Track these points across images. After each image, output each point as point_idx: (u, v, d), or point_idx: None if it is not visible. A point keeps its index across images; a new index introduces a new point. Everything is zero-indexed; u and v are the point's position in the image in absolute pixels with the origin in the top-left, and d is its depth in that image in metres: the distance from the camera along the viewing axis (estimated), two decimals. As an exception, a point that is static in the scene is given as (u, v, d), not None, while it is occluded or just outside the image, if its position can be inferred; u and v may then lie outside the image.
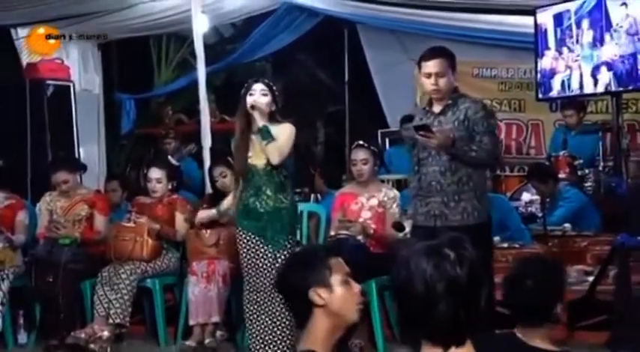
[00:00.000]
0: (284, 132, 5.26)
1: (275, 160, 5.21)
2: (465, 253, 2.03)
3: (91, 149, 9.65)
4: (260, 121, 5.21)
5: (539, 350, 3.00)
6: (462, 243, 2.06)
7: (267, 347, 5.19)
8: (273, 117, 5.30)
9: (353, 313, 2.78)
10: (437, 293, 1.98)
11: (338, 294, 2.72)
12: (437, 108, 5.08)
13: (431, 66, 5.00)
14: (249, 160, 5.30)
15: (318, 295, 2.70)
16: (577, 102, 8.26)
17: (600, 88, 5.64)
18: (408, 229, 5.25)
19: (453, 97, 5.07)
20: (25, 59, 9.34)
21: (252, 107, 5.21)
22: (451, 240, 2.05)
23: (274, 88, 5.39)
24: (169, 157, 7.47)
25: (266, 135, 5.19)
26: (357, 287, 2.81)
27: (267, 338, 5.20)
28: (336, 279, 2.75)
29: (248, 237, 5.29)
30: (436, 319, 1.99)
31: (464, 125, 4.95)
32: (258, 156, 5.28)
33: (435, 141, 4.85)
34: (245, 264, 5.31)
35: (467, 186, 4.97)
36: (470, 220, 4.94)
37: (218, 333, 6.19)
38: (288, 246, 5.25)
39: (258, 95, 5.27)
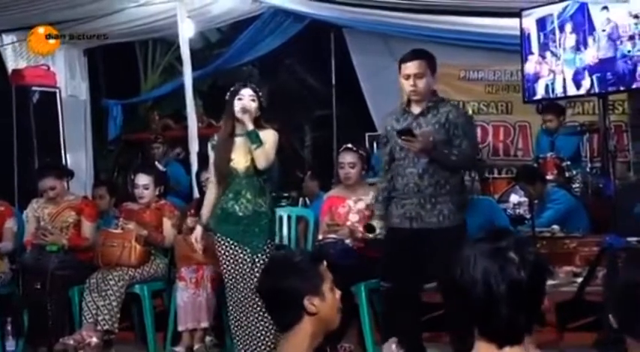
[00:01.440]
0: (269, 140, 5.32)
1: (262, 165, 5.25)
2: (529, 257, 2.05)
3: (78, 155, 9.61)
4: (250, 125, 5.25)
5: None
6: (527, 246, 2.09)
7: (249, 350, 5.22)
8: (257, 123, 5.34)
9: (336, 319, 2.81)
10: (499, 295, 2.01)
11: (328, 302, 2.75)
12: (416, 109, 5.12)
13: (410, 67, 5.06)
14: (231, 163, 5.32)
15: (312, 304, 2.71)
16: (556, 107, 8.30)
17: (583, 91, 5.64)
18: (379, 230, 5.25)
19: (434, 100, 5.12)
20: (11, 65, 9.30)
21: (244, 110, 5.24)
22: (516, 243, 2.07)
23: (260, 93, 5.45)
24: (156, 163, 7.44)
25: (255, 139, 5.24)
26: (338, 292, 2.83)
27: (251, 342, 5.23)
28: (326, 287, 2.77)
29: (227, 243, 5.33)
30: (496, 319, 2.03)
31: (444, 128, 5.01)
32: (240, 159, 5.32)
33: (417, 146, 4.88)
34: (225, 270, 5.35)
35: (444, 190, 5.03)
36: (446, 223, 5.01)
37: (207, 339, 6.18)
38: (267, 250, 5.29)
39: (248, 100, 5.33)
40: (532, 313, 2.05)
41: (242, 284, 5.24)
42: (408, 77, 5.06)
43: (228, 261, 5.32)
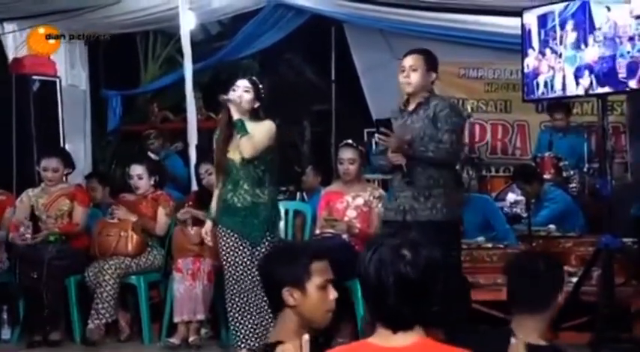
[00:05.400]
0: (262, 130, 5.34)
1: (247, 154, 5.27)
2: (420, 255, 2.25)
3: (76, 145, 9.58)
4: (235, 114, 5.30)
5: (531, 346, 3.02)
6: (420, 246, 2.28)
7: (249, 340, 5.24)
8: (255, 115, 5.38)
9: (322, 319, 2.83)
10: (387, 287, 2.24)
11: (311, 299, 2.76)
12: (411, 106, 5.15)
13: (405, 61, 5.13)
14: (228, 154, 5.36)
15: (291, 295, 2.74)
16: (564, 105, 8.30)
17: (582, 90, 5.64)
18: None
19: (425, 96, 5.12)
20: (11, 54, 9.29)
21: (227, 100, 5.30)
22: (410, 242, 2.28)
23: (259, 85, 5.47)
24: (148, 153, 7.41)
25: (240, 128, 5.28)
26: (333, 294, 2.84)
27: (249, 330, 5.25)
28: (313, 284, 2.78)
29: (227, 235, 5.35)
30: (385, 308, 2.26)
31: (433, 122, 5.01)
32: (236, 150, 5.35)
33: (392, 141, 4.92)
34: (225, 261, 5.37)
35: (437, 183, 5.01)
36: (438, 216, 4.98)
37: (202, 331, 6.20)
38: (267, 241, 5.31)
39: (241, 91, 5.37)
40: (420, 306, 2.26)
41: (241, 275, 5.27)
42: (403, 70, 5.11)
43: (229, 252, 5.33)
